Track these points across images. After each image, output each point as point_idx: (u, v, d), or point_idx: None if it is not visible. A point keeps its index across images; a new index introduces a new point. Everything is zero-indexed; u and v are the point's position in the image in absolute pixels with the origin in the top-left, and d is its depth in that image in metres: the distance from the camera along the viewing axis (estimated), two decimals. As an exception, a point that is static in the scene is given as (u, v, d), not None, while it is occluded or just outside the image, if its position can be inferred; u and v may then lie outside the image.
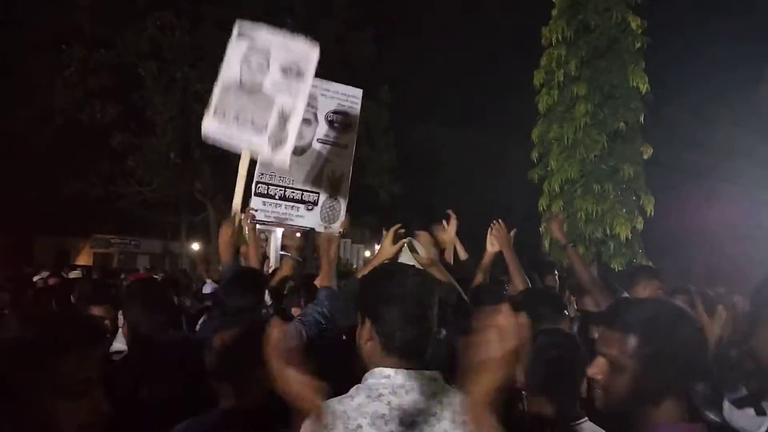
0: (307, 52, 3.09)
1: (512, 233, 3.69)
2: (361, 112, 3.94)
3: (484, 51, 27.06)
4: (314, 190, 3.72)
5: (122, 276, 9.50)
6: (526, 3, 19.87)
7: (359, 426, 1.40)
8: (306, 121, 3.57)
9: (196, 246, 22.75)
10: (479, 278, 3.74)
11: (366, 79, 19.71)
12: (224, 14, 17.47)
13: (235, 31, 3.07)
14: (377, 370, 1.51)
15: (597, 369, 1.50)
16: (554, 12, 13.53)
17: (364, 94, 3.77)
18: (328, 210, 3.74)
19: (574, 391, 2.04)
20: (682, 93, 18.00)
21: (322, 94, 3.75)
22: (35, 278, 7.90)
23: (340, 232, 3.72)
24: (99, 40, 17.38)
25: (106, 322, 2.89)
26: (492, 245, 3.68)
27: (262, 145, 2.99)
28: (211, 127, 2.97)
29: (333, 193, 3.76)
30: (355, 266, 16.65)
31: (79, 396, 1.22)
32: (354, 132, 3.86)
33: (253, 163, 3.21)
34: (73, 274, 7.39)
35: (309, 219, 3.67)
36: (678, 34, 19.72)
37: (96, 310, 2.93)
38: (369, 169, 19.88)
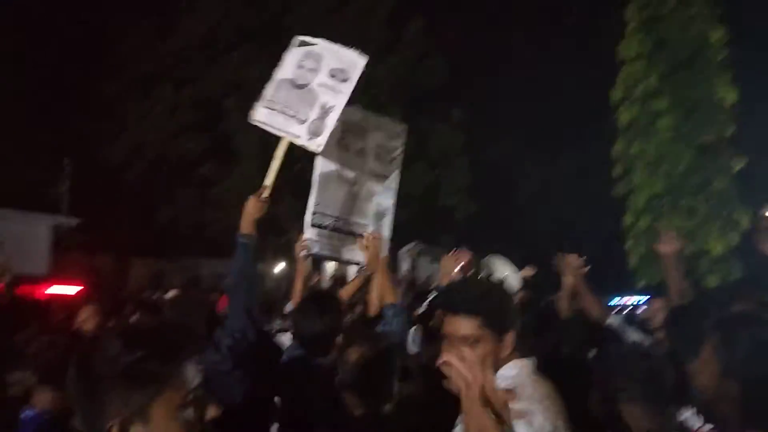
0: (355, 61, 3.31)
1: (585, 269, 3.71)
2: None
3: (559, 68, 26.60)
4: (363, 222, 3.65)
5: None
6: (600, 19, 19.46)
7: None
8: (358, 152, 3.62)
9: (280, 267, 23.50)
10: (563, 307, 3.79)
11: (440, 102, 19.89)
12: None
13: (295, 41, 3.36)
14: (512, 362, 1.87)
15: None
16: (630, 27, 13.23)
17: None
18: None
19: None
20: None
21: (372, 127, 3.73)
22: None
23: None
24: (186, 78, 18.56)
25: None
26: (568, 277, 3.70)
27: (301, 134, 3.19)
28: (260, 114, 3.27)
29: (378, 228, 3.68)
30: (433, 285, 16.65)
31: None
32: (398, 167, 3.80)
33: (290, 151, 3.25)
34: (171, 294, 7.87)
35: (357, 253, 3.57)
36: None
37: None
38: (444, 190, 19.89)
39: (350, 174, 3.61)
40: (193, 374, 1.24)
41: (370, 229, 3.62)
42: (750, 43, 13.64)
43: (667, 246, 3.61)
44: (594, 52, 18.23)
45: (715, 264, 12.33)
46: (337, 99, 3.20)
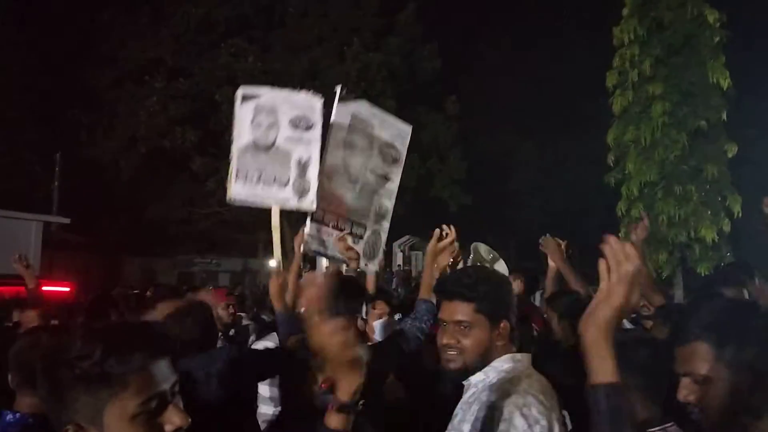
0: (311, 104, 3.22)
1: (563, 245, 3.86)
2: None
3: (553, 55, 26.53)
4: (363, 222, 3.58)
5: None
6: (594, 5, 19.39)
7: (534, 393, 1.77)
8: (363, 149, 3.51)
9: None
10: (549, 287, 4.02)
11: (432, 92, 19.79)
12: (292, 39, 18.08)
13: (238, 97, 3.23)
14: (508, 356, 1.85)
15: (686, 391, 1.45)
16: (625, 11, 13.14)
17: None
18: (371, 246, 3.59)
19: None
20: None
21: (379, 124, 3.63)
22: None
23: (377, 271, 3.63)
24: (178, 71, 18.38)
25: None
26: (552, 260, 3.89)
27: (288, 198, 3.16)
28: (236, 190, 3.13)
29: (377, 229, 3.63)
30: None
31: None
32: (400, 168, 3.73)
33: (285, 212, 3.25)
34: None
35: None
36: (762, 25, 18.63)
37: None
38: (438, 181, 19.85)
39: (354, 172, 3.51)
40: (162, 376, 1.16)
41: (368, 230, 3.59)
42: (743, 26, 13.60)
43: (641, 233, 3.56)
44: (590, 37, 18.18)
45: (708, 251, 12.33)
46: (310, 149, 3.16)
